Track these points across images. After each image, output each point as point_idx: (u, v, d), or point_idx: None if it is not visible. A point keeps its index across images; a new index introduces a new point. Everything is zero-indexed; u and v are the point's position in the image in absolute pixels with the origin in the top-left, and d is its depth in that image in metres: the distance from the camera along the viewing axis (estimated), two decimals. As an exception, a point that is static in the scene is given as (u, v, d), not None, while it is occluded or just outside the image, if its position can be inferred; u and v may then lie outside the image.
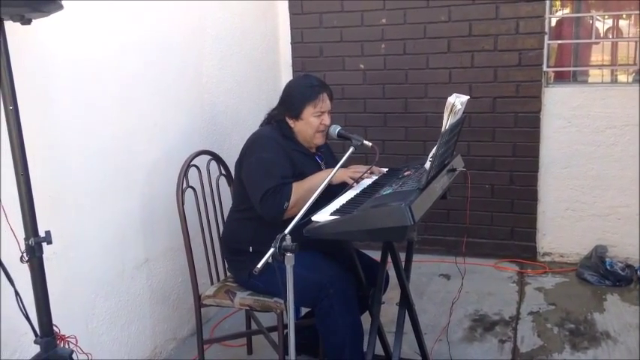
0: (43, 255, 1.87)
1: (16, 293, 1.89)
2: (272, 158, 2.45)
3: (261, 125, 2.69)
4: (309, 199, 2.02)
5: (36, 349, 1.92)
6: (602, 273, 3.70)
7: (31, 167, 1.83)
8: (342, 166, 2.28)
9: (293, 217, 1.98)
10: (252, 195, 2.45)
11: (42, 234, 1.85)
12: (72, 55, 2.35)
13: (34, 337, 1.92)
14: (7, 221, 1.87)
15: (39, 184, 1.96)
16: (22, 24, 1.73)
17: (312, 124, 2.53)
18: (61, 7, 1.76)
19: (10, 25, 1.74)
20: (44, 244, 1.86)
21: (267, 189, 2.37)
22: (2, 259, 1.86)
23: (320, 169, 2.59)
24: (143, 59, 2.80)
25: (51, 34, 2.22)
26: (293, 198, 2.35)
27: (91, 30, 2.45)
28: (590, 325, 3.21)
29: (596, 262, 3.75)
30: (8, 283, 1.87)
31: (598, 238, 3.94)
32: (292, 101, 2.56)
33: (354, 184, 2.42)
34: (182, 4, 3.09)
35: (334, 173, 2.19)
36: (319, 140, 2.59)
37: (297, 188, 2.38)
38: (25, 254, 1.84)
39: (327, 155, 2.74)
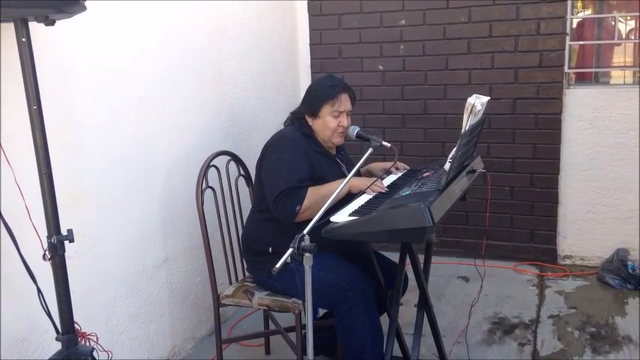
0: (65, 253, 1.90)
1: (39, 291, 1.91)
2: (291, 160, 2.46)
3: (285, 124, 2.70)
4: (324, 204, 2.01)
5: (57, 345, 1.94)
6: (623, 276, 3.65)
7: (53, 166, 1.85)
8: (362, 166, 2.27)
9: (307, 220, 1.98)
10: (267, 195, 2.47)
11: (64, 232, 1.88)
12: (94, 57, 2.38)
13: (55, 335, 1.94)
14: (30, 219, 1.89)
15: (61, 184, 1.98)
16: (46, 25, 1.75)
17: (330, 124, 2.53)
18: (84, 9, 1.77)
19: (33, 26, 1.77)
20: (66, 243, 1.88)
21: (282, 190, 2.38)
22: (25, 257, 1.89)
23: (341, 171, 2.59)
24: (163, 60, 2.82)
25: (73, 36, 2.25)
26: (306, 202, 2.36)
27: (112, 31, 2.48)
28: (611, 329, 3.17)
29: (617, 265, 3.71)
30: (31, 280, 1.89)
31: (620, 242, 3.89)
32: (312, 99, 2.58)
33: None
34: (202, 6, 3.11)
35: (349, 178, 2.18)
36: (337, 140, 2.59)
37: (312, 193, 2.38)
38: (47, 252, 1.86)
39: (347, 159, 2.74)
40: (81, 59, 2.32)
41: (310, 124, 2.59)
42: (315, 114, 2.56)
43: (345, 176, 2.23)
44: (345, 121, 2.55)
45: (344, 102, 2.54)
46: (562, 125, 3.90)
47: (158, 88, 2.79)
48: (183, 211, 2.94)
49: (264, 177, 2.53)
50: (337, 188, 2.12)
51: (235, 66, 3.46)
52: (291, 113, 2.69)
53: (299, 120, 2.62)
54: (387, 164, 2.72)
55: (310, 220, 1.94)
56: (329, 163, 2.60)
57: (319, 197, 2.31)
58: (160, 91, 2.81)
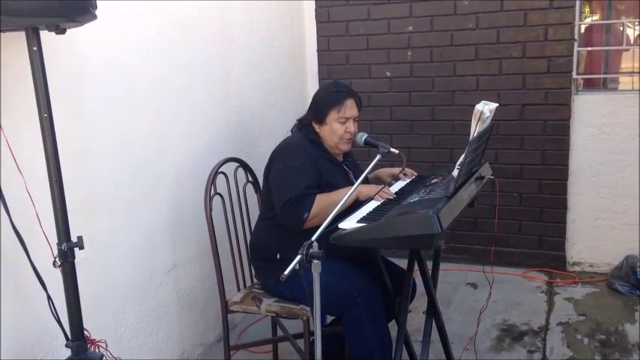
0: (75, 260, 1.91)
1: (49, 297, 1.93)
2: (299, 167, 2.46)
3: (292, 131, 2.71)
4: (333, 211, 2.00)
5: (67, 352, 1.95)
6: (633, 283, 3.63)
7: (63, 174, 1.86)
8: (370, 172, 2.27)
9: (315, 227, 1.98)
10: (275, 202, 2.47)
11: (74, 239, 1.89)
12: (103, 64, 2.40)
13: (65, 341, 1.96)
14: (40, 226, 1.91)
15: (71, 190, 1.99)
16: (57, 34, 1.77)
17: (336, 130, 2.54)
18: (94, 18, 1.79)
19: (44, 34, 1.79)
20: (76, 249, 1.89)
21: (290, 198, 2.38)
22: (35, 264, 1.90)
23: (348, 178, 2.59)
24: (171, 67, 2.84)
25: (83, 43, 2.26)
26: (314, 209, 2.35)
27: (121, 39, 2.49)
28: (621, 337, 3.15)
29: (627, 272, 3.68)
30: (41, 287, 1.91)
31: (629, 248, 3.86)
32: (318, 105, 2.58)
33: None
34: (210, 13, 3.13)
35: (357, 185, 2.17)
36: (344, 147, 2.59)
37: (321, 200, 2.38)
38: (57, 259, 1.87)
39: (354, 165, 2.74)
40: (90, 66, 2.34)
41: (317, 130, 2.59)
42: (321, 120, 2.56)
43: (353, 183, 2.23)
44: (351, 127, 2.55)
45: (350, 107, 2.54)
46: (570, 131, 3.89)
47: (167, 95, 2.81)
48: (191, 217, 2.95)
49: (271, 184, 2.53)
50: (345, 195, 2.12)
51: (243, 73, 3.47)
52: (298, 120, 2.69)
53: (306, 127, 2.62)
54: (396, 170, 2.72)
55: (318, 227, 1.94)
56: (336, 170, 2.60)
57: (327, 204, 2.31)
58: (169, 98, 2.82)
